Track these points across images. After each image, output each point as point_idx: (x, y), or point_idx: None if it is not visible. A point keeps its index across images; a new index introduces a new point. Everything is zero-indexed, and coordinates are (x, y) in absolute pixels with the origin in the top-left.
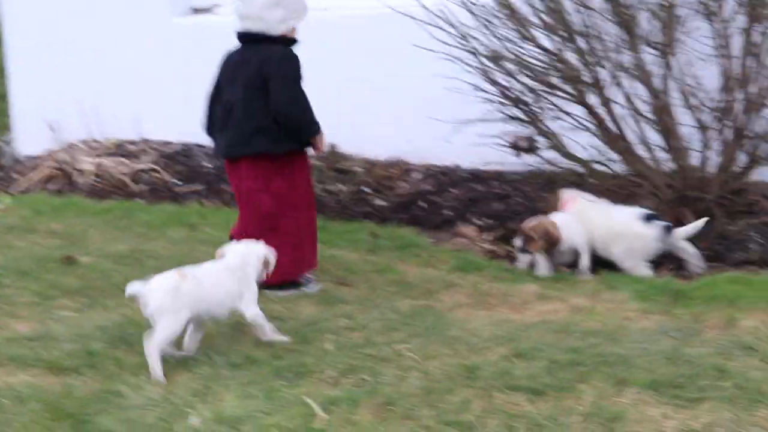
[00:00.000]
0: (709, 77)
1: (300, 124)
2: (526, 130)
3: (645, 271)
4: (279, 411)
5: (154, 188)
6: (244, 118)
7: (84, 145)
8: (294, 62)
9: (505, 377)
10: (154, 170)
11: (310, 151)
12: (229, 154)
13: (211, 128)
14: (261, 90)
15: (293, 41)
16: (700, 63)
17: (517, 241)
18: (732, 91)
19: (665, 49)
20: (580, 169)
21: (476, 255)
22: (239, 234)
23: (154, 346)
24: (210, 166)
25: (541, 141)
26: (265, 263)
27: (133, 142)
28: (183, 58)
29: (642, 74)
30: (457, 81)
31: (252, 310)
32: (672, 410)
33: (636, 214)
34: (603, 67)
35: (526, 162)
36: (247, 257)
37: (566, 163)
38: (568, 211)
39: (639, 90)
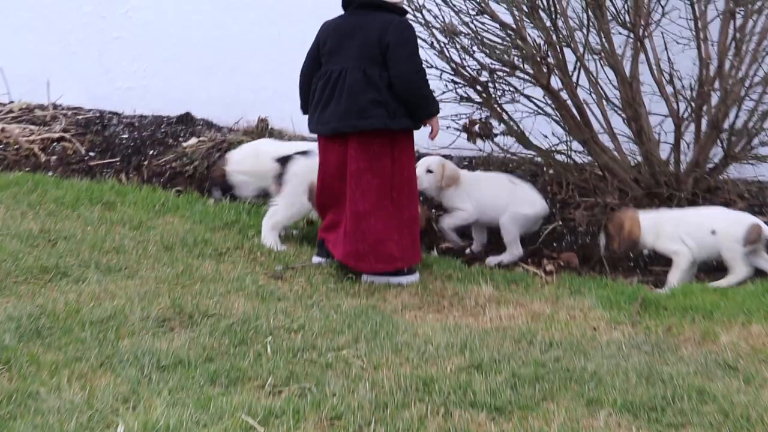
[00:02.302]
0: (685, 64)
1: (421, 99)
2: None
3: None
4: (214, 422)
5: (65, 160)
6: (359, 89)
7: None
8: (413, 32)
9: (464, 392)
10: (65, 139)
11: (424, 134)
12: (339, 129)
13: (307, 105)
14: (378, 59)
15: (405, 12)
16: (676, 48)
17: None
18: (709, 80)
19: (637, 31)
20: (538, 158)
21: (423, 249)
22: (351, 214)
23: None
24: (128, 137)
25: (496, 125)
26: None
27: (42, 107)
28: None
29: (611, 57)
30: None
31: None
32: None
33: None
34: (568, 46)
35: (480, 147)
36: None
37: (524, 151)
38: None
39: (607, 74)
